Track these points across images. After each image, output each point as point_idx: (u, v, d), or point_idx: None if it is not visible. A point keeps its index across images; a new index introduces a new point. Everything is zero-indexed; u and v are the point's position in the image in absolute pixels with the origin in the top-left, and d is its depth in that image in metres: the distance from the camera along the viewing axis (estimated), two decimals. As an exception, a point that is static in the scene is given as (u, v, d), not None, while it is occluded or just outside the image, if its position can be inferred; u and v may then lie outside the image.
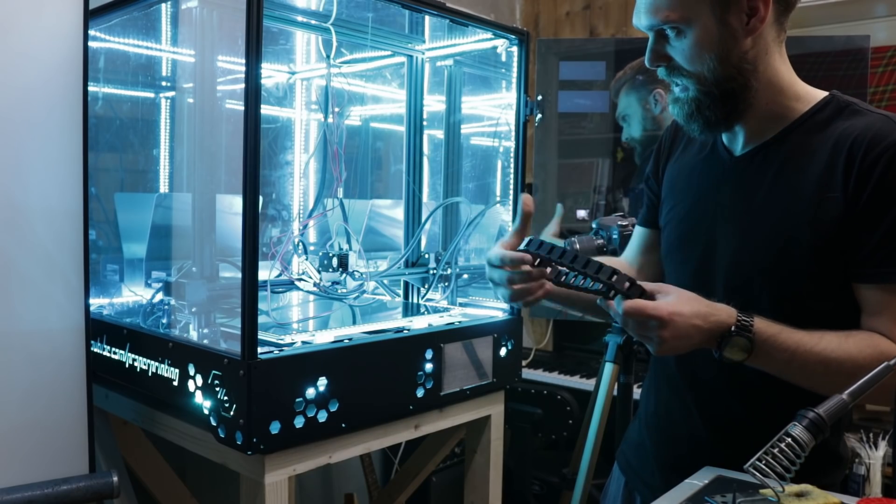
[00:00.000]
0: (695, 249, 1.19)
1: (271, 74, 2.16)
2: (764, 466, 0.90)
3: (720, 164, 1.18)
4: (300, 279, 1.87)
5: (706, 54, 1.06)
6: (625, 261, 1.41)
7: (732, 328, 1.01)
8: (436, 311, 1.79)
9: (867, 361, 0.97)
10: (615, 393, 2.15)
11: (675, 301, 1.01)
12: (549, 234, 2.36)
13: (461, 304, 1.89)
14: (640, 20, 1.10)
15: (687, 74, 1.09)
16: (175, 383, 1.43)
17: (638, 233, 1.40)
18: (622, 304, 1.01)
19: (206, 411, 1.36)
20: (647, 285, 1.04)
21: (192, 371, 1.39)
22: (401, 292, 1.99)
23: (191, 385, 1.39)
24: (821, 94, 1.13)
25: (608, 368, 2.14)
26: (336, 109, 1.79)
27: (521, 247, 1.10)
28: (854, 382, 0.92)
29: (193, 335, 1.50)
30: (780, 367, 1.03)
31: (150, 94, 1.96)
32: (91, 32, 1.40)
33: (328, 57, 1.71)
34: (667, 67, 1.11)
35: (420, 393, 1.55)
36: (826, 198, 1.04)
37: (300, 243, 1.87)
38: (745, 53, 1.07)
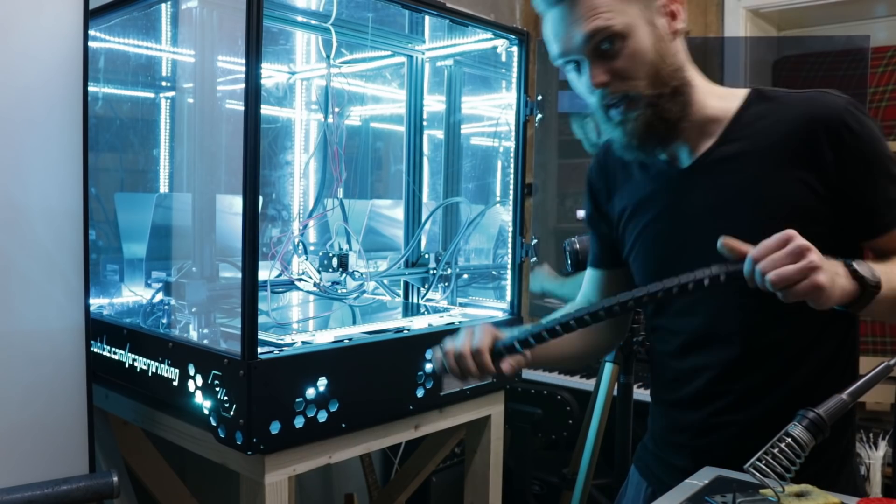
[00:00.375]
0: (674, 273, 1.18)
1: (271, 74, 2.16)
2: (764, 466, 0.90)
3: (675, 182, 1.17)
4: (300, 279, 1.87)
5: (647, 58, 1.06)
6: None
7: (845, 262, 0.96)
8: (436, 311, 1.79)
9: None
10: (615, 393, 2.15)
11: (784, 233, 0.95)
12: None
13: (461, 304, 1.89)
14: (574, 41, 1.05)
15: (633, 86, 1.07)
16: (175, 383, 1.43)
17: (593, 276, 1.35)
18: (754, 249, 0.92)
19: (206, 411, 1.36)
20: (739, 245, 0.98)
21: (192, 371, 1.39)
22: (401, 292, 1.99)
23: (191, 385, 1.39)
24: (741, 90, 1.15)
25: (608, 368, 2.14)
26: (336, 109, 1.79)
27: (499, 346, 1.08)
28: None
29: (193, 335, 1.50)
30: (891, 296, 0.98)
31: (150, 94, 1.96)
32: (91, 32, 1.40)
33: (328, 57, 1.71)
34: (610, 86, 1.07)
35: (420, 393, 1.55)
36: (795, 178, 1.06)
37: (300, 243, 1.87)
38: (675, 57, 1.09)
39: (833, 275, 0.91)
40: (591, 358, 1.38)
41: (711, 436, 1.18)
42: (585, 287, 1.37)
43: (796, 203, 1.07)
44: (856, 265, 0.95)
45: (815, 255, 0.90)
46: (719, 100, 1.14)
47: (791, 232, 0.91)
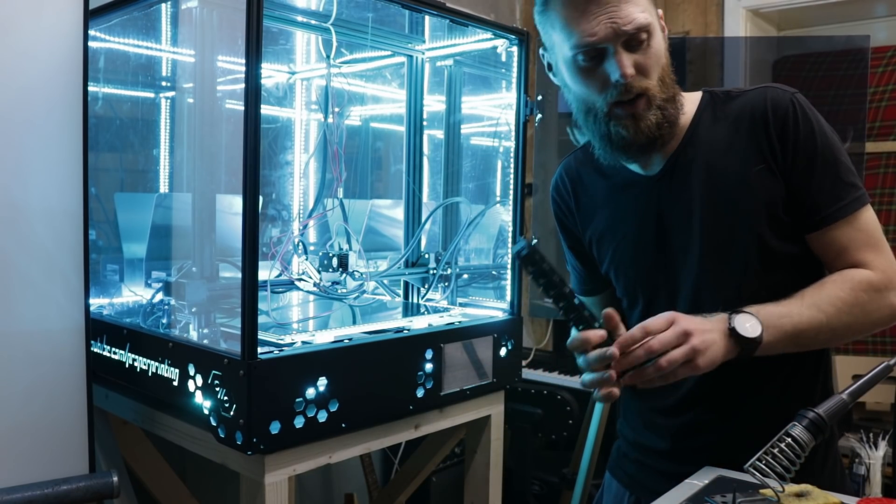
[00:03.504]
0: (658, 278, 1.19)
1: (271, 74, 2.16)
2: (764, 466, 0.90)
3: (647, 190, 1.18)
4: (300, 279, 1.87)
5: (662, 61, 1.10)
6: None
7: (730, 315, 1.02)
8: (436, 311, 1.79)
9: (853, 294, 1.05)
10: (615, 393, 2.14)
11: (668, 314, 1.01)
12: None
13: (461, 304, 1.89)
14: (609, 29, 1.04)
15: (650, 85, 1.08)
16: (175, 383, 1.43)
17: (591, 303, 1.36)
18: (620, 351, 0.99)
19: (206, 411, 1.36)
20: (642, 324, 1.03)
21: (192, 371, 1.39)
22: (401, 292, 1.99)
23: (191, 385, 1.39)
24: (696, 94, 1.19)
25: (608, 368, 2.13)
26: (336, 109, 1.79)
27: (514, 249, 1.09)
28: (851, 322, 1.05)
29: (193, 335, 1.50)
30: (791, 334, 1.04)
31: (150, 94, 1.96)
32: (91, 32, 1.40)
33: (328, 57, 1.71)
34: (633, 80, 1.07)
35: (420, 393, 1.55)
36: (756, 171, 1.10)
37: (300, 243, 1.87)
38: (669, 62, 1.12)
39: (711, 346, 0.98)
40: None
41: (698, 437, 1.18)
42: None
43: (764, 192, 1.10)
44: (736, 323, 1.00)
45: (696, 339, 0.97)
46: (682, 105, 1.17)
47: (673, 315, 0.99)
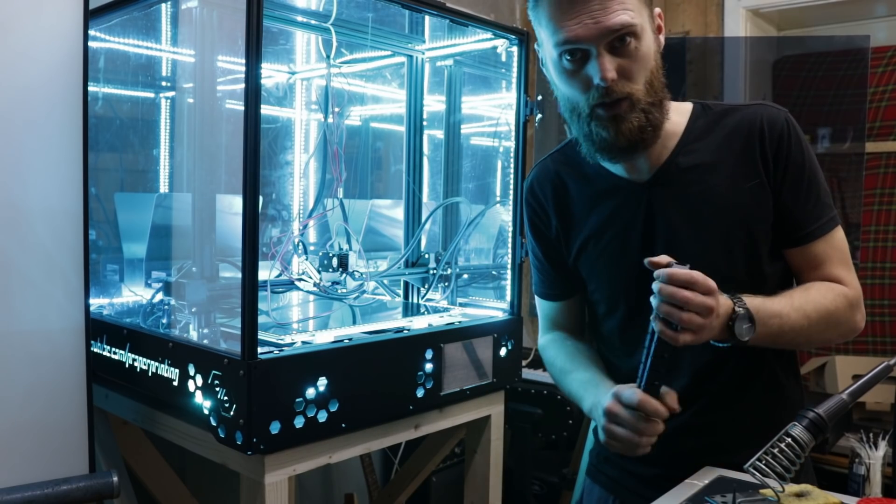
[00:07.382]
0: (642, 286, 1.16)
1: (271, 74, 2.16)
2: (764, 466, 0.90)
3: (637, 195, 1.17)
4: (300, 279, 1.87)
5: (649, 65, 1.07)
6: (569, 326, 1.36)
7: (735, 308, 1.02)
8: (436, 311, 1.79)
9: (834, 304, 1.09)
10: (615, 393, 2.14)
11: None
12: None
13: (461, 304, 1.89)
14: (593, 30, 1.02)
15: (635, 89, 1.06)
16: (175, 383, 1.43)
17: (555, 308, 1.34)
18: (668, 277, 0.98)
19: (206, 411, 1.36)
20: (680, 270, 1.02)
21: (192, 371, 1.39)
22: (401, 292, 1.99)
23: (191, 385, 1.39)
24: (686, 105, 1.19)
25: (608, 368, 2.13)
26: (336, 109, 1.79)
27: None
28: (824, 331, 1.09)
29: (193, 335, 1.50)
30: (775, 334, 1.06)
31: (150, 94, 1.96)
32: (91, 32, 1.40)
33: (328, 57, 1.71)
34: (615, 84, 1.05)
35: (420, 393, 1.55)
36: (749, 186, 1.12)
37: (300, 243, 1.87)
38: (661, 69, 1.11)
39: (715, 322, 0.99)
40: None
41: (687, 441, 1.17)
42: (558, 318, 1.35)
43: (754, 206, 1.12)
44: (736, 325, 1.01)
45: (716, 321, 0.98)
46: (674, 113, 1.16)
47: (711, 284, 0.98)
